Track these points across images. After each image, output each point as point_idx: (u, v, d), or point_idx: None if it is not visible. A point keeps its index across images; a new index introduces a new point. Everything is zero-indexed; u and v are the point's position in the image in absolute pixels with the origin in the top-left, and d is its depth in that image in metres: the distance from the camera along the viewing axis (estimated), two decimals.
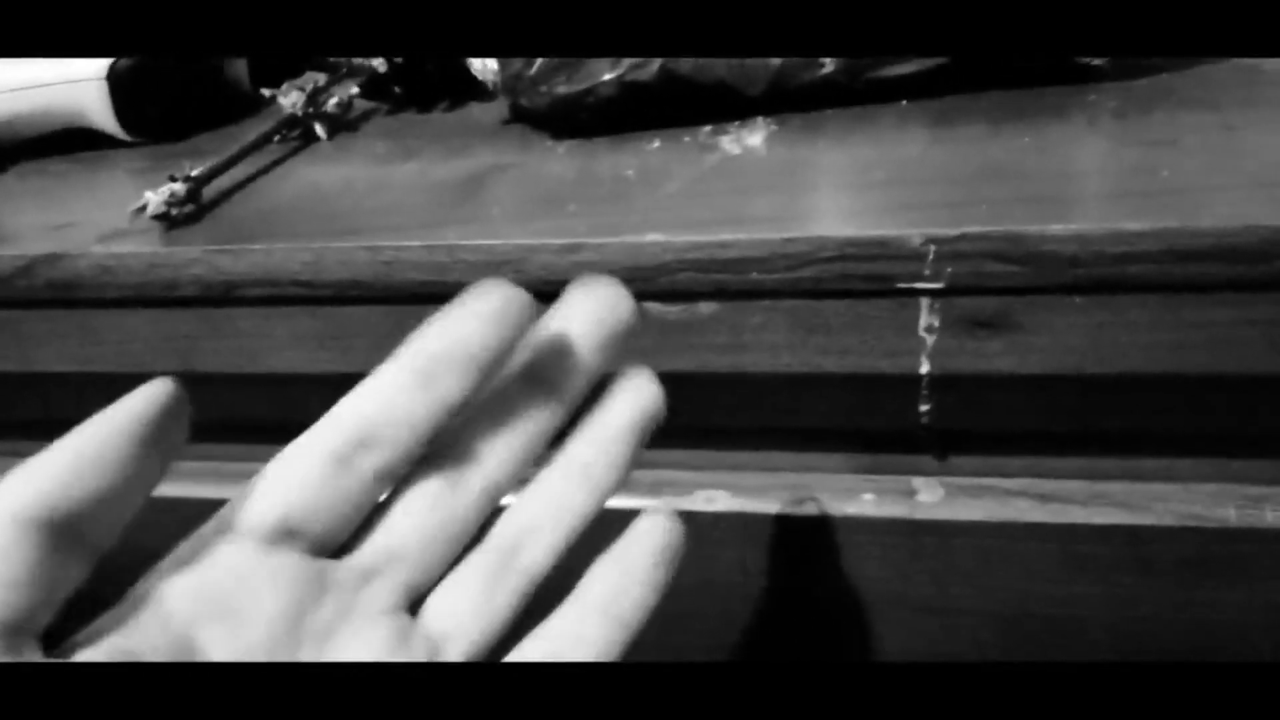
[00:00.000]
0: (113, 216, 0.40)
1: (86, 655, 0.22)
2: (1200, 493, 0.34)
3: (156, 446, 0.23)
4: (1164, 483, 0.35)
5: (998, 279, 0.31)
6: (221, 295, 0.36)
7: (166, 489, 0.42)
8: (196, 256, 0.36)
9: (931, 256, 0.31)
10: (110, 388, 0.40)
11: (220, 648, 0.23)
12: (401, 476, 0.26)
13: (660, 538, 0.27)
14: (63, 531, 0.21)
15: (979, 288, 0.31)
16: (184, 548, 0.25)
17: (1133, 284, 0.30)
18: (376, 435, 0.25)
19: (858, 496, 0.36)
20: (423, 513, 0.26)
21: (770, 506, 0.36)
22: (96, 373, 0.39)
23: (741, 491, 0.37)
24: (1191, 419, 0.33)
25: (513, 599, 0.26)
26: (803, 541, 0.36)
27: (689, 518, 0.33)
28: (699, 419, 0.36)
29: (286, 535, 0.24)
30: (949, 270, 0.31)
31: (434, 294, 0.35)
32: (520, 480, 0.27)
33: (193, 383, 0.40)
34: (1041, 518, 0.35)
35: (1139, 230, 0.30)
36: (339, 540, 0.25)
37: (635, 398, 0.28)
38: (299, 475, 0.25)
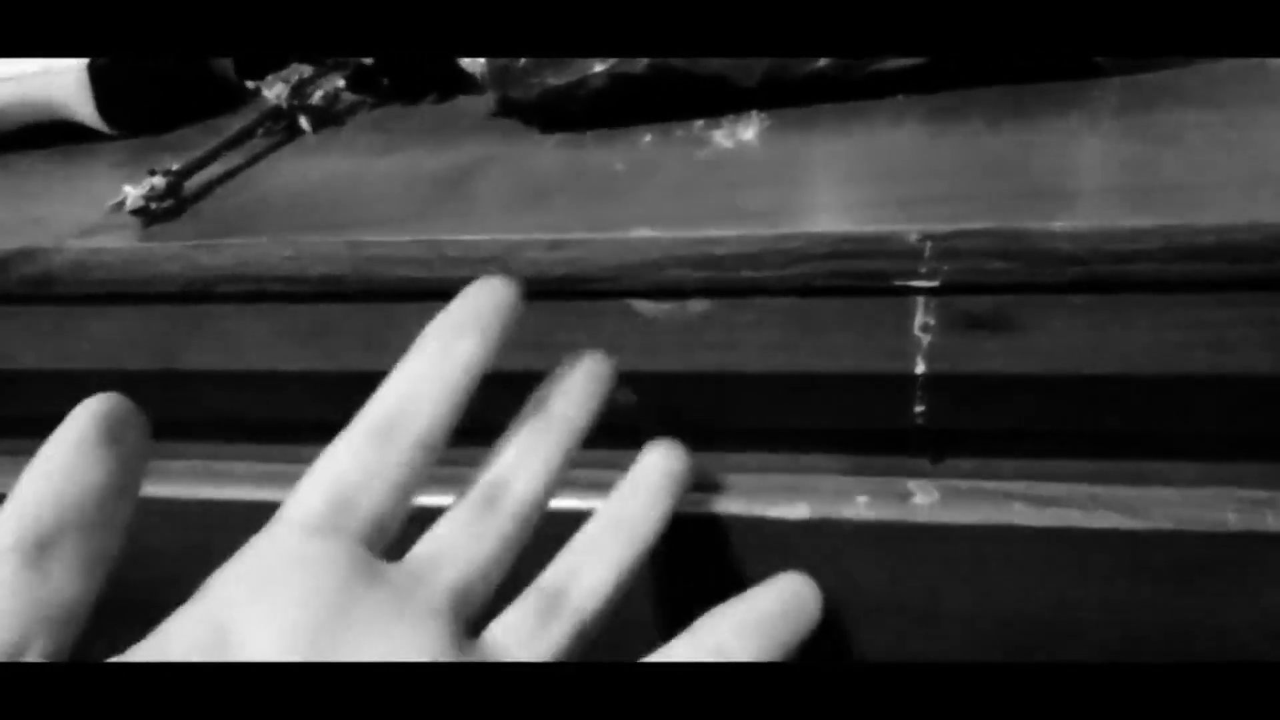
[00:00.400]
0: (91, 211, 0.39)
1: (130, 655, 0.22)
2: (1199, 496, 0.33)
3: (112, 449, 0.24)
4: (1163, 486, 0.34)
5: (995, 276, 0.30)
6: (202, 292, 0.36)
7: (155, 489, 0.41)
8: (175, 252, 0.35)
9: (927, 253, 0.30)
10: (89, 385, 0.39)
11: (260, 629, 0.23)
12: (438, 449, 0.28)
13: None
14: (37, 550, 0.23)
15: (976, 285, 0.30)
16: (245, 547, 0.26)
17: (1133, 283, 0.29)
18: (409, 407, 0.27)
19: (852, 499, 0.35)
20: (464, 524, 0.28)
21: (762, 509, 0.36)
22: (75, 370, 0.39)
23: (732, 493, 0.36)
24: (1191, 421, 0.32)
25: (562, 638, 0.28)
26: (795, 544, 0.36)
27: (679, 521, 0.33)
28: (689, 420, 0.35)
29: (335, 519, 0.26)
30: (945, 268, 0.30)
31: (419, 290, 0.34)
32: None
33: (175, 381, 0.39)
34: (1039, 522, 0.34)
35: (1140, 228, 0.29)
36: (388, 529, 0.26)
37: (666, 460, 0.32)
38: (342, 458, 0.27)
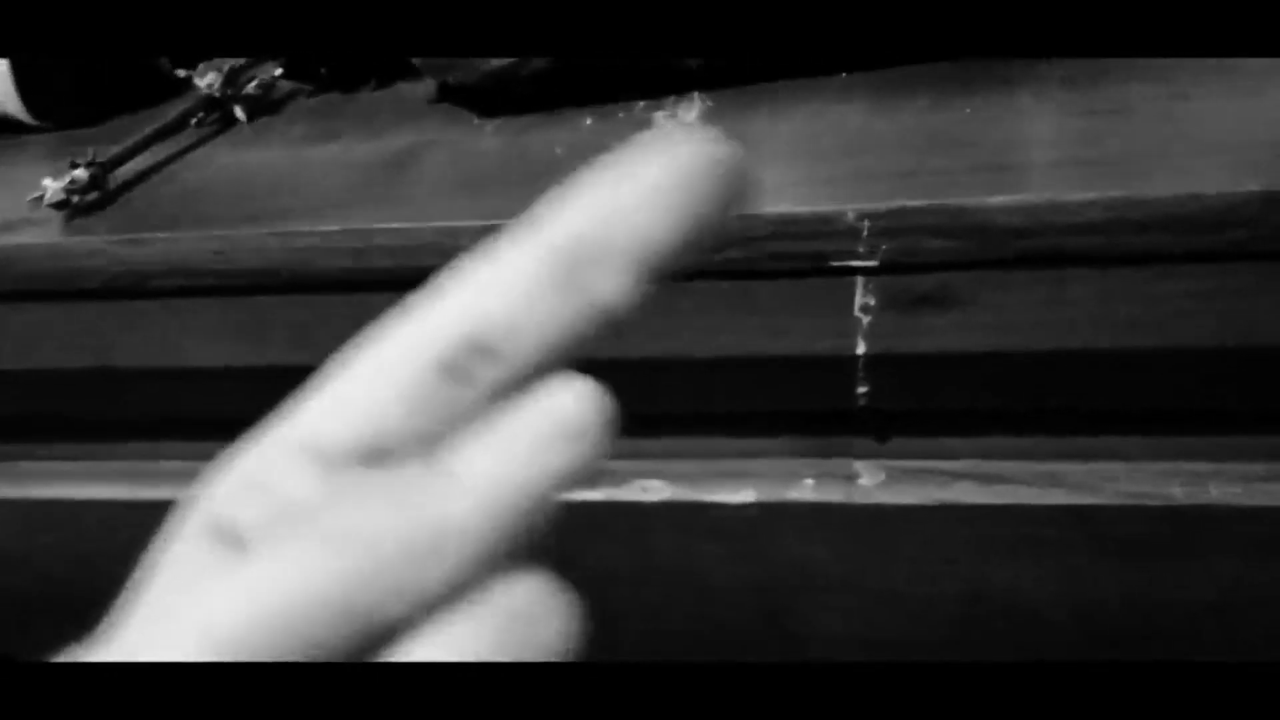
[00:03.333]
0: (12, 205, 0.38)
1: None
2: (1147, 471, 0.33)
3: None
4: (1110, 461, 0.34)
5: (935, 254, 0.29)
6: (130, 287, 0.35)
7: (88, 490, 0.40)
8: (98, 246, 0.34)
9: (865, 233, 0.29)
10: (17, 384, 0.38)
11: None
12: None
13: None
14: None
15: (916, 264, 0.30)
16: (234, 468, 0.19)
17: (1078, 257, 0.29)
18: (499, 342, 0.18)
19: (798, 481, 0.35)
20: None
21: (708, 494, 0.35)
22: (3, 370, 0.38)
23: (678, 479, 0.36)
24: (1139, 395, 0.32)
25: None
26: (743, 528, 0.35)
27: (625, 508, 0.32)
28: (632, 406, 0.34)
29: (374, 459, 0.18)
30: (884, 246, 0.29)
31: (353, 281, 0.33)
32: None
33: (108, 379, 0.38)
34: (986, 499, 0.34)
35: (1085, 200, 0.28)
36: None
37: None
38: (395, 384, 0.18)
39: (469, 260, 0.18)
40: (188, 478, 0.43)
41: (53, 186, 0.36)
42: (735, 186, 0.19)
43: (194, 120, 0.44)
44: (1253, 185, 0.28)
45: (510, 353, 0.18)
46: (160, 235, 0.34)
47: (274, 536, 0.18)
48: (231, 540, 0.18)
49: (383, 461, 0.18)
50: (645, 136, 0.18)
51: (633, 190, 0.18)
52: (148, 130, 0.41)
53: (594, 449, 0.18)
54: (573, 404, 0.19)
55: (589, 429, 0.19)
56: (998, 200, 0.29)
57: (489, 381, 0.18)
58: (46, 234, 0.35)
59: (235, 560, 0.18)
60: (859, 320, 0.31)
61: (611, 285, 0.18)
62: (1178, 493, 0.33)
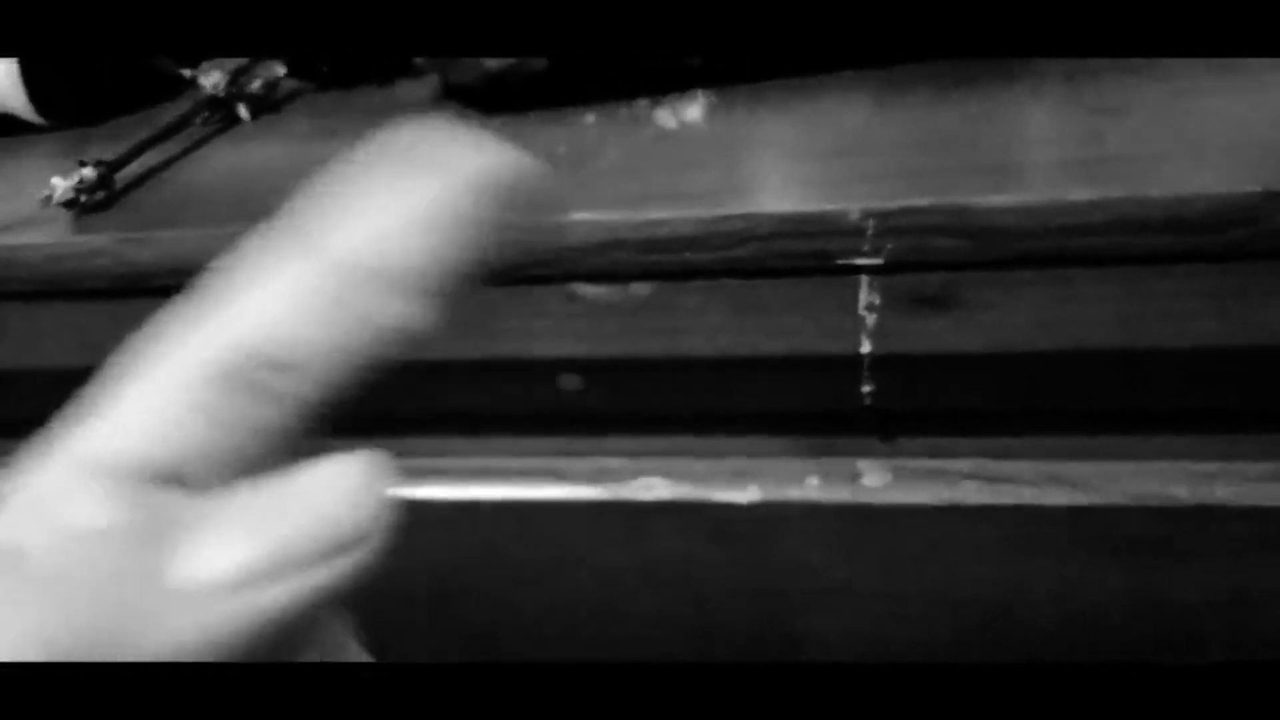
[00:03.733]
0: (20, 205, 0.38)
1: None
2: (1151, 471, 0.33)
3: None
4: (1115, 460, 0.34)
5: (941, 254, 0.29)
6: (132, 287, 0.35)
7: None
8: (103, 246, 0.34)
9: (871, 231, 0.29)
10: (24, 383, 0.38)
11: None
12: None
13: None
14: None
15: (921, 263, 0.30)
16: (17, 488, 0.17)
17: (1080, 257, 0.29)
18: (287, 356, 0.17)
19: (802, 481, 0.35)
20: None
21: (711, 493, 0.35)
22: (10, 369, 0.38)
23: (681, 478, 0.36)
24: (1142, 395, 0.32)
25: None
26: (745, 529, 0.35)
27: (628, 506, 0.32)
28: (635, 404, 0.34)
29: (162, 476, 0.17)
30: (889, 246, 0.29)
31: None
32: None
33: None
34: (991, 500, 0.33)
35: (1086, 201, 0.28)
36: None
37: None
38: (184, 398, 0.17)
39: (240, 265, 0.17)
40: None
41: (61, 186, 0.36)
42: (521, 197, 0.17)
43: (198, 119, 0.44)
44: (1254, 185, 0.28)
45: (300, 366, 0.17)
46: (165, 234, 0.34)
47: (52, 562, 0.16)
48: (14, 562, 0.17)
49: (176, 480, 0.17)
50: (404, 132, 0.16)
51: (405, 210, 0.17)
52: (153, 130, 0.41)
53: (364, 558, 0.16)
54: (347, 503, 0.17)
55: (363, 536, 0.17)
56: (1003, 200, 0.29)
57: (280, 394, 0.17)
58: (55, 233, 0.35)
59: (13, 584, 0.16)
60: (864, 319, 0.31)
61: (393, 309, 0.17)
62: (1182, 492, 0.33)
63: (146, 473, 0.17)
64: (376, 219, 0.17)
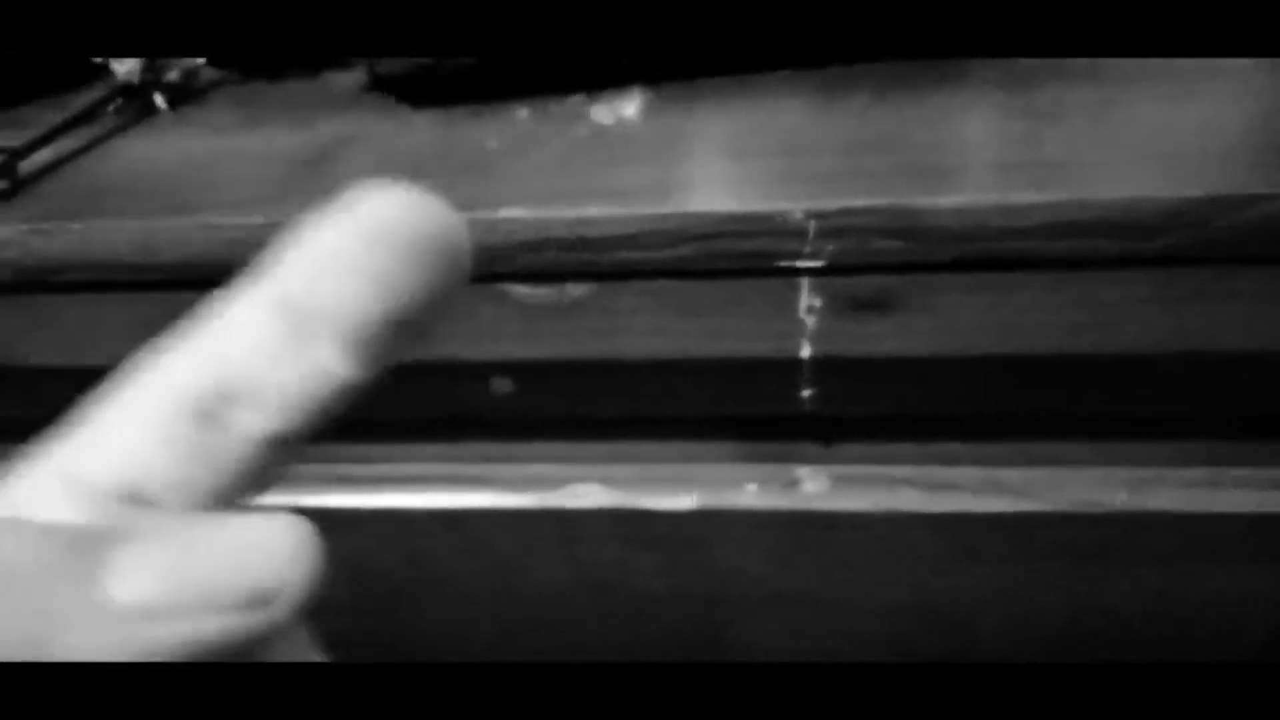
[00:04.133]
0: None
1: None
2: (1091, 477, 0.33)
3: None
4: (1054, 467, 0.33)
5: (881, 256, 0.29)
6: (40, 280, 0.33)
7: None
8: (8, 237, 0.32)
9: (812, 233, 0.29)
10: None
11: None
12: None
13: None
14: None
15: (862, 265, 0.29)
16: None
17: (1020, 260, 0.29)
18: (245, 392, 0.19)
19: (740, 487, 0.34)
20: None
21: (647, 500, 0.34)
22: None
23: (616, 484, 0.35)
24: (1081, 400, 0.32)
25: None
26: (682, 535, 0.34)
27: (561, 514, 0.31)
28: (569, 408, 0.33)
29: (130, 497, 0.18)
30: (830, 247, 0.29)
31: None
32: None
33: (9, 378, 0.36)
34: (930, 507, 0.33)
35: (1027, 204, 0.28)
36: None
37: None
38: (154, 426, 0.18)
39: (223, 297, 0.18)
40: None
41: None
42: (452, 258, 0.19)
43: (111, 108, 0.42)
44: (1195, 189, 0.28)
45: (258, 403, 0.18)
46: (74, 226, 0.32)
47: None
48: None
49: (145, 503, 0.18)
50: (358, 194, 0.17)
51: (338, 259, 0.18)
52: (62, 117, 0.39)
53: (276, 615, 0.17)
54: (268, 560, 0.18)
55: (276, 594, 0.18)
56: (943, 201, 0.28)
57: (241, 428, 0.18)
58: None
59: None
60: (804, 322, 0.30)
61: (332, 356, 0.19)
62: (1122, 498, 0.32)
63: (116, 492, 0.18)
64: (324, 269, 0.18)
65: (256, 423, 0.18)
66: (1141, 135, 0.31)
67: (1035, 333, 0.29)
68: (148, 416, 0.18)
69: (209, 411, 0.18)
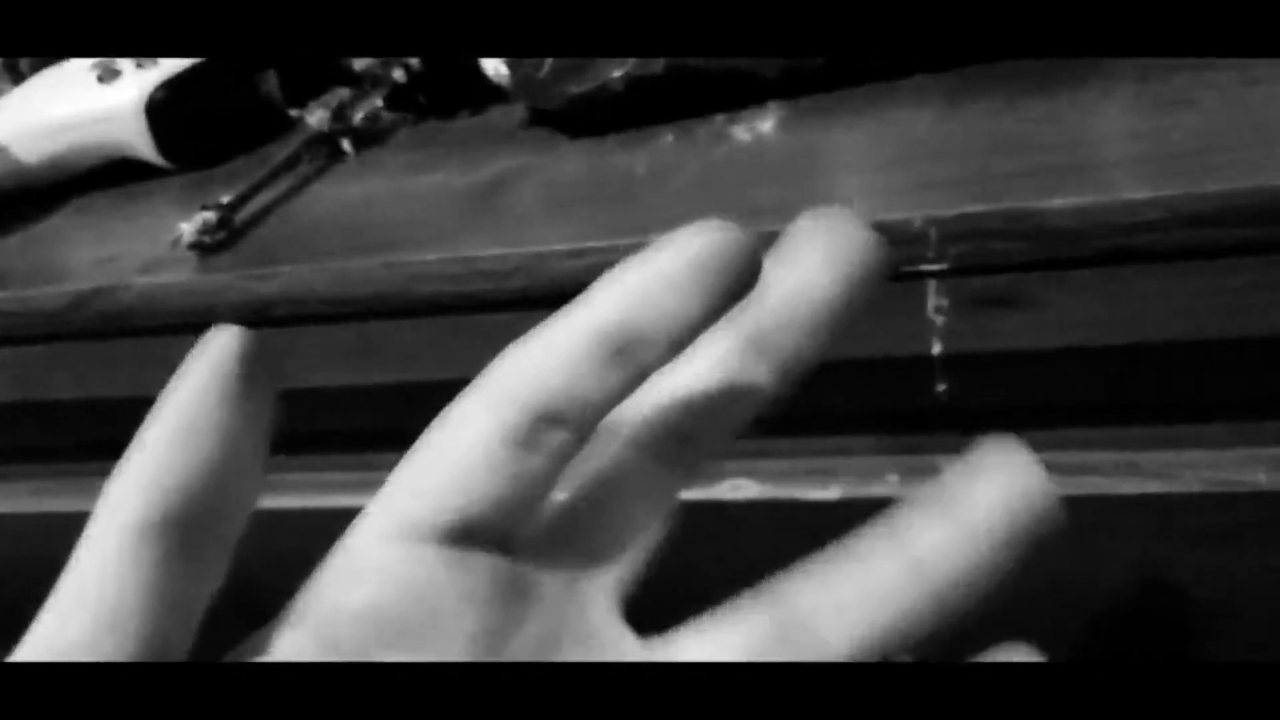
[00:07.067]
0: (154, 246, 0.41)
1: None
2: (1228, 458, 0.34)
3: (249, 402, 0.20)
4: (1192, 449, 0.34)
5: (1002, 256, 0.30)
6: (255, 318, 0.38)
7: None
8: (229, 282, 0.37)
9: (934, 238, 0.31)
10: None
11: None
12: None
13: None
14: (185, 531, 0.19)
15: (985, 266, 0.31)
16: (339, 558, 0.20)
17: (1141, 254, 0.30)
18: (560, 411, 0.20)
19: (882, 478, 0.36)
20: (626, 499, 0.23)
21: (796, 491, 0.37)
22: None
23: (767, 477, 0.37)
24: (1214, 384, 0.33)
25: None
26: (830, 525, 0.37)
27: (710, 508, 0.34)
28: None
29: (467, 533, 0.20)
30: (952, 251, 0.31)
31: (455, 305, 0.36)
32: None
33: None
34: (1069, 490, 0.34)
35: (1143, 199, 0.29)
36: (520, 531, 0.21)
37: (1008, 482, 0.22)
38: (474, 459, 0.20)
39: (529, 336, 0.21)
40: (314, 488, 0.46)
41: (188, 229, 0.39)
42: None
43: (306, 157, 0.48)
44: None
45: (574, 420, 0.20)
46: (282, 269, 0.37)
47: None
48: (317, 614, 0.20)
49: (469, 537, 0.20)
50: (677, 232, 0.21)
51: (660, 277, 0.21)
52: (265, 169, 0.44)
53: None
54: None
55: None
56: (1060, 203, 0.29)
57: (555, 448, 0.20)
58: (185, 271, 0.38)
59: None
60: (933, 321, 0.32)
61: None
62: (1262, 478, 0.33)
63: (457, 531, 0.20)
64: (633, 284, 0.21)
65: (570, 439, 0.21)
66: (1272, 118, 0.31)
67: (1159, 321, 0.30)
68: (465, 450, 0.20)
69: (525, 434, 0.20)
